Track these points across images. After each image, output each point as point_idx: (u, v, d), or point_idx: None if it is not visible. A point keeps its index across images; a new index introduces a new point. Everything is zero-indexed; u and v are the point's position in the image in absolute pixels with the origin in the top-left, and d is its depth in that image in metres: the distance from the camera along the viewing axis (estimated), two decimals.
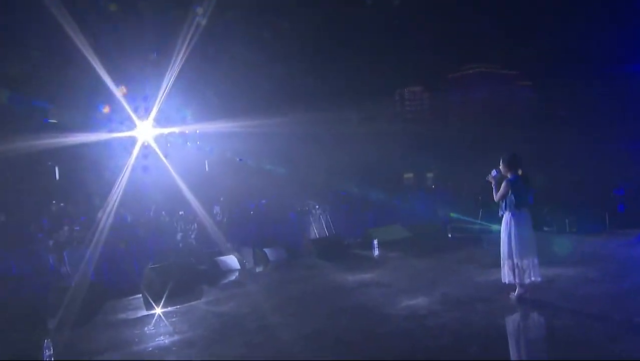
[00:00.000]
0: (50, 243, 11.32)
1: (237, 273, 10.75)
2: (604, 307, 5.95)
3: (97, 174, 16.86)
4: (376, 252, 11.73)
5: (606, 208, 12.02)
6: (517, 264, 6.39)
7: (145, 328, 6.91)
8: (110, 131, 16.67)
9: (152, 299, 8.40)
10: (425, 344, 5.36)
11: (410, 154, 29.31)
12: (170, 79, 15.27)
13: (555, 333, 5.46)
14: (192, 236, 12.61)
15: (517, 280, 6.42)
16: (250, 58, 21.05)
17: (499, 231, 6.63)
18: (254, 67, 21.46)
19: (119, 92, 15.21)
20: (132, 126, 16.58)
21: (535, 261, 6.44)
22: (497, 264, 6.68)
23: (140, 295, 9.06)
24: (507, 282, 6.50)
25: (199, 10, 15.45)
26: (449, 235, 13.56)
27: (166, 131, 17.96)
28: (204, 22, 15.59)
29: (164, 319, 7.31)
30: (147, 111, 16.22)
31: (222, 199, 16.16)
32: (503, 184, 6.47)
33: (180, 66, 15.14)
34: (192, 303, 8.21)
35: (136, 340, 6.42)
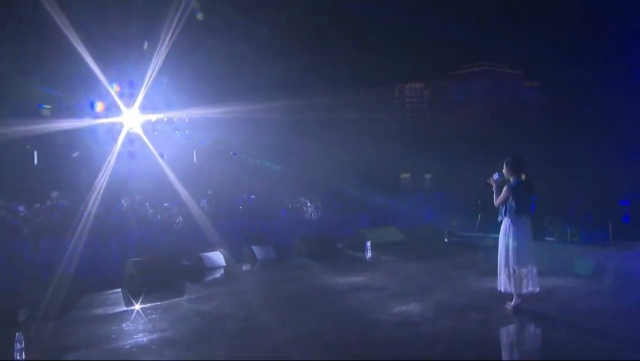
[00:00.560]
0: (26, 231, 11.23)
1: (222, 271, 10.72)
2: (605, 322, 5.97)
3: (79, 161, 16.76)
4: (369, 254, 11.74)
5: (611, 218, 12.08)
6: (515, 272, 6.40)
7: (124, 325, 6.88)
8: (95, 117, 16.56)
9: (132, 295, 8.37)
10: (417, 352, 5.36)
11: (408, 153, 29.34)
12: (156, 64, 15.18)
13: (552, 347, 5.48)
14: (176, 225, 12.57)
15: (514, 289, 6.43)
16: (240, 43, 20.98)
17: (497, 237, 6.64)
18: (244, 52, 21.37)
19: (113, 88, 15.14)
20: (117, 112, 16.48)
21: (534, 270, 6.45)
22: (495, 272, 6.70)
23: (120, 290, 9.02)
24: (503, 290, 6.52)
25: None
26: (446, 239, 13.60)
27: (153, 118, 17.85)
28: (191, 5, 15.53)
29: (143, 316, 7.27)
30: (133, 98, 16.12)
31: (209, 192, 16.13)
32: (504, 189, 6.47)
33: (167, 51, 15.05)
34: (174, 300, 8.18)
35: (113, 336, 6.39)
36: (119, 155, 15.60)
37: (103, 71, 14.65)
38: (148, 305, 7.86)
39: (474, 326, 6.08)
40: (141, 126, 16.81)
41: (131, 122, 16.59)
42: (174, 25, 14.77)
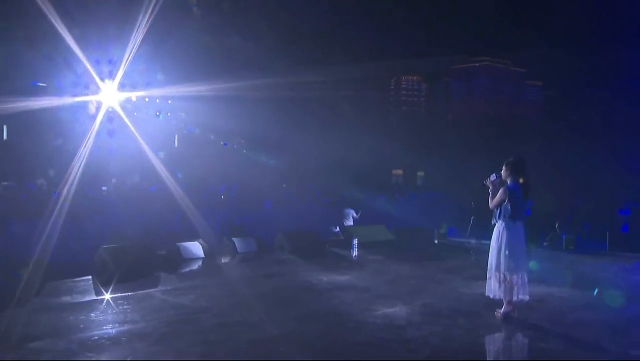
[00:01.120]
0: None
1: (200, 262, 10.69)
2: (598, 336, 6.05)
3: (53, 140, 16.57)
4: (355, 252, 11.77)
5: (609, 228, 12.23)
6: (506, 278, 6.44)
7: (92, 314, 6.82)
8: (71, 95, 16.34)
9: (103, 283, 8.31)
10: (401, 357, 5.39)
11: (401, 148, 29.41)
12: (136, 40, 15.00)
13: (540, 358, 5.54)
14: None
15: (504, 296, 6.47)
16: (226, 17, 20.81)
17: (489, 242, 6.68)
18: (230, 27, 21.19)
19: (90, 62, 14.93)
20: (96, 90, 16.27)
21: (525, 277, 6.50)
22: (484, 277, 6.74)
23: (90, 277, 8.95)
24: (492, 297, 6.56)
25: None
26: (436, 241, 13.67)
27: (134, 97, 17.66)
28: None
29: (114, 306, 7.22)
30: (112, 75, 15.93)
31: (178, 176, 16.04)
32: (500, 191, 6.48)
33: (147, 26, 14.88)
34: (147, 290, 8.14)
35: (81, 326, 6.33)
36: (97, 136, 15.44)
37: (80, 46, 14.45)
38: (119, 294, 7.80)
39: (461, 332, 6.12)
40: (121, 106, 16.63)
41: (110, 101, 16.40)
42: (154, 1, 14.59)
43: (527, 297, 6.51)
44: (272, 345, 5.70)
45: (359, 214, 14.35)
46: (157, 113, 19.88)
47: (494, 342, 6.10)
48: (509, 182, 6.53)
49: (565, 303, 7.48)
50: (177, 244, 10.95)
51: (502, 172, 6.61)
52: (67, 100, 16.27)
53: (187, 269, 10.22)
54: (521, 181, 6.52)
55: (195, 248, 11.09)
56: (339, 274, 9.41)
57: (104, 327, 6.28)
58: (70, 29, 13.85)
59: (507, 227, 6.45)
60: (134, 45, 15.04)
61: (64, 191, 11.75)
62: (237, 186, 16.68)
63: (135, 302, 7.44)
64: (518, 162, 6.57)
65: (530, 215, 9.16)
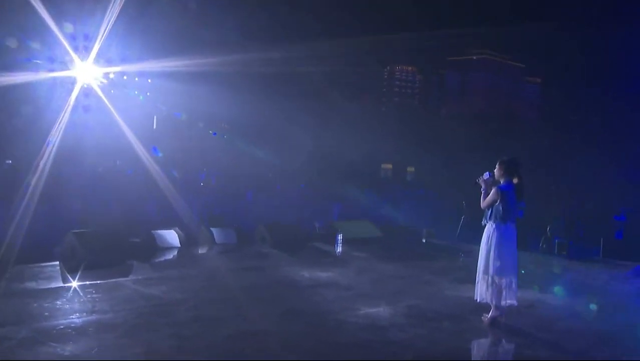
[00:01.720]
0: None
1: (175, 252, 10.66)
2: (587, 345, 6.13)
3: (26, 119, 16.32)
4: (339, 248, 11.80)
5: (603, 234, 12.38)
6: (495, 282, 6.48)
7: (58, 302, 6.77)
8: (45, 70, 16.08)
9: (71, 270, 8.25)
10: (383, 359, 5.42)
11: (392, 141, 29.46)
12: (113, 12, 14.80)
13: None
14: None
15: (492, 301, 6.52)
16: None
17: (479, 245, 6.72)
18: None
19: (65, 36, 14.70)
20: (69, 65, 16.04)
21: (514, 281, 6.55)
22: (472, 280, 6.81)
23: (57, 263, 8.88)
24: (479, 300, 6.62)
25: None
26: (424, 240, 13.75)
27: (111, 74, 17.43)
28: None
29: (81, 294, 7.18)
30: (88, 50, 15.70)
31: (158, 155, 15.93)
32: (493, 191, 6.50)
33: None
34: (118, 279, 8.10)
35: (45, 314, 6.29)
36: (72, 114, 15.25)
37: (54, 18, 14.23)
38: (88, 282, 7.76)
39: (446, 336, 6.18)
40: (97, 84, 16.42)
41: (85, 77, 16.18)
42: None
43: (515, 302, 6.56)
44: (249, 342, 5.69)
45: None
46: (136, 92, 19.69)
47: (479, 347, 6.16)
48: (502, 182, 6.56)
49: (555, 310, 7.56)
50: (152, 231, 10.91)
51: (495, 171, 6.64)
52: (40, 76, 16.03)
53: (161, 259, 10.18)
54: (515, 181, 6.55)
55: (171, 236, 11.04)
56: (321, 270, 9.43)
57: (70, 316, 6.24)
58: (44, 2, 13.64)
59: (498, 229, 6.49)
60: (110, 19, 14.85)
61: (37, 171, 11.63)
62: (219, 174, 16.62)
63: (104, 291, 7.40)
64: (512, 161, 6.60)
65: (523, 217, 9.23)
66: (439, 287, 8.61)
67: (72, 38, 15.25)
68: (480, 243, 6.70)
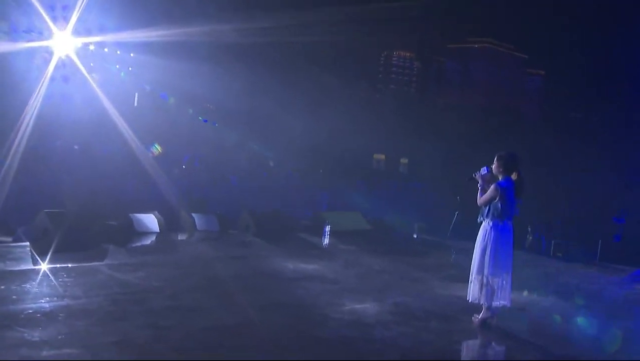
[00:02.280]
0: None
1: (154, 237, 10.64)
2: (580, 351, 6.20)
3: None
4: (326, 240, 11.83)
5: (601, 236, 12.49)
6: (488, 282, 6.50)
7: (27, 285, 6.74)
8: (22, 40, 15.86)
9: (42, 251, 8.19)
10: (365, 358, 5.45)
11: (386, 131, 29.43)
12: None
13: None
14: None
15: (484, 301, 6.54)
16: None
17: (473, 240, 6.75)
18: None
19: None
20: (47, 36, 15.81)
21: (509, 282, 6.57)
22: (464, 279, 6.85)
23: (27, 244, 8.83)
24: (471, 301, 6.64)
25: None
26: (415, 235, 13.82)
27: (91, 44, 17.20)
28: None
29: (52, 278, 7.14)
30: (66, 19, 15.48)
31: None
32: (491, 188, 6.49)
33: None
34: (92, 263, 8.08)
35: (13, 297, 6.25)
36: (48, 88, 15.08)
37: None
38: (60, 265, 7.73)
39: (434, 336, 6.22)
40: (76, 55, 16.22)
41: (63, 48, 15.98)
42: None
43: (508, 303, 6.59)
44: (227, 334, 5.70)
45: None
46: (117, 67, 19.49)
47: (467, 350, 6.21)
48: (500, 178, 6.56)
49: (548, 313, 7.64)
50: (130, 215, 10.87)
51: (493, 166, 6.63)
52: (17, 46, 15.82)
53: (139, 244, 10.16)
54: (514, 177, 6.54)
55: (150, 220, 11.01)
56: (307, 262, 9.46)
57: (40, 300, 6.21)
58: None
59: (495, 227, 6.49)
60: None
61: (13, 146, 11.52)
62: (202, 157, 16.57)
63: (77, 275, 7.38)
64: (511, 156, 6.57)
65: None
66: (429, 285, 8.67)
67: (50, 8, 15.05)
68: (474, 240, 6.72)
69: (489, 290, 6.51)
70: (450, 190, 15.36)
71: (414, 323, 6.58)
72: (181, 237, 11.06)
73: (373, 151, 32.12)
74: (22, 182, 11.19)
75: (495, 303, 6.54)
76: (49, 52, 15.77)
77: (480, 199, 6.62)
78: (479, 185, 6.67)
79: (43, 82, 14.87)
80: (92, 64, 17.62)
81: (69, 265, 7.80)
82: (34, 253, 8.34)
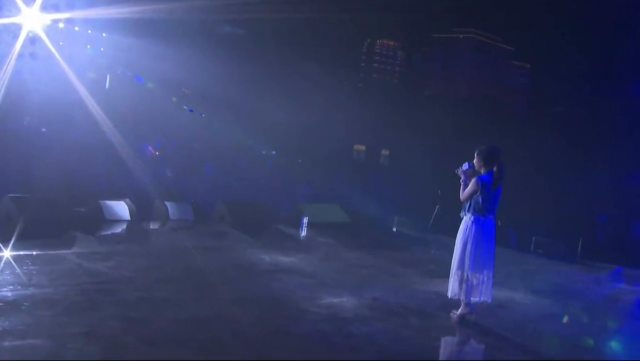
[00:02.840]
0: None
1: (124, 226, 10.56)
2: (560, 350, 6.32)
3: None
4: (304, 233, 11.85)
5: (582, 234, 12.69)
6: (468, 277, 6.57)
7: None
8: None
9: (4, 237, 8.08)
10: (341, 354, 5.48)
11: (367, 121, 29.46)
12: None
13: None
14: None
15: (463, 297, 6.61)
16: None
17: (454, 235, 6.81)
18: None
19: None
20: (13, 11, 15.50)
21: (490, 277, 6.65)
22: (444, 274, 6.93)
23: None
24: (451, 297, 6.71)
25: None
26: (394, 229, 13.91)
27: (60, 22, 16.89)
28: None
29: (16, 266, 7.05)
30: None
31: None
32: (472, 182, 6.56)
33: None
34: (59, 251, 8.00)
35: None
36: (14, 67, 14.81)
37: None
38: (24, 252, 7.63)
39: (412, 333, 6.29)
40: (45, 33, 15.93)
41: (31, 24, 15.68)
42: None
43: (489, 300, 6.68)
44: (199, 327, 5.69)
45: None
46: (88, 47, 19.20)
47: (446, 346, 6.28)
48: (482, 172, 6.63)
49: (527, 310, 7.76)
50: (100, 201, 10.77)
51: (474, 161, 6.70)
52: None
53: (108, 232, 10.08)
54: (495, 170, 6.60)
55: (121, 208, 10.92)
56: (283, 255, 9.47)
57: (3, 289, 6.13)
58: None
59: (477, 222, 6.56)
60: None
61: None
62: (176, 143, 16.45)
63: (43, 263, 7.30)
64: (490, 150, 6.64)
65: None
66: (408, 280, 8.75)
67: None
68: (454, 235, 6.79)
69: (468, 286, 6.58)
70: (431, 183, 15.48)
71: (392, 319, 6.63)
72: (153, 226, 11.01)
73: (353, 142, 32.15)
74: None
75: (475, 299, 6.61)
76: (16, 29, 15.49)
77: (463, 195, 6.68)
78: (461, 180, 6.73)
79: (9, 61, 14.62)
80: (61, 43, 17.34)
81: (34, 253, 7.71)
82: None
